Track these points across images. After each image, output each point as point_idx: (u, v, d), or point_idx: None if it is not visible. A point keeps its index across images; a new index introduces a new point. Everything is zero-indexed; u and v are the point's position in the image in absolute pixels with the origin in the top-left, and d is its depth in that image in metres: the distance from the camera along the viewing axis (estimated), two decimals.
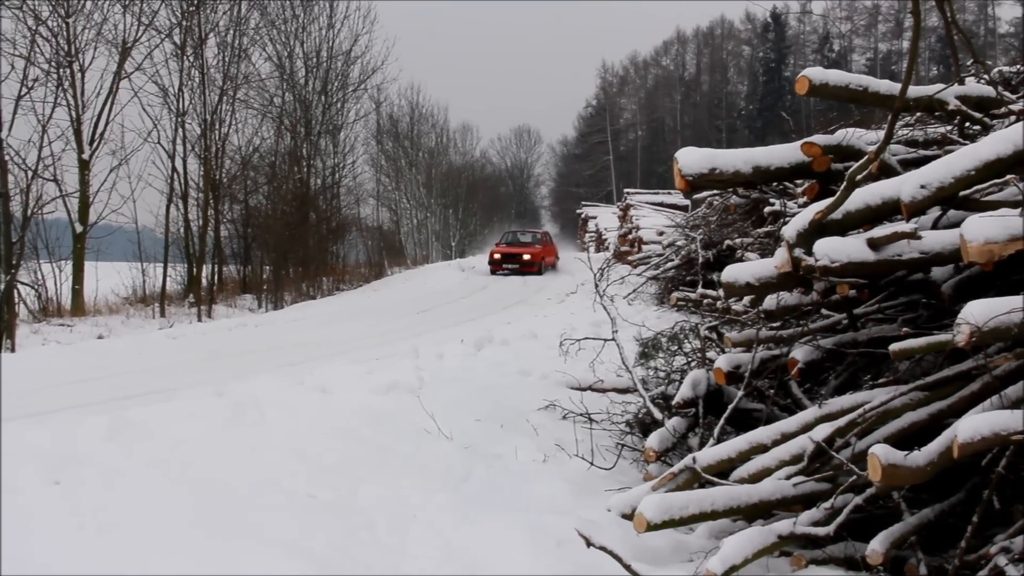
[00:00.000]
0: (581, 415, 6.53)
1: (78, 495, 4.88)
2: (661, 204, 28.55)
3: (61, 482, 5.05)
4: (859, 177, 3.98)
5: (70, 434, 5.94)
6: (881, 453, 3.29)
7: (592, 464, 5.58)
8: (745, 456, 4.16)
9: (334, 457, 5.73)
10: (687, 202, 25.11)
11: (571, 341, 7.86)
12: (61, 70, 19.39)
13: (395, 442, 6.13)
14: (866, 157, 4.01)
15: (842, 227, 4.17)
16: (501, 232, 41.32)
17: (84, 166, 20.07)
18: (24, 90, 17.96)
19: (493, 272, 30.22)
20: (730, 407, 4.98)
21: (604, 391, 7.26)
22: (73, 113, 19.97)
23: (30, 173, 17.93)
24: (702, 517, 3.75)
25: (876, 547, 3.42)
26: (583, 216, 46.04)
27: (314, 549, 4.21)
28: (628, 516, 4.05)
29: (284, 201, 26.41)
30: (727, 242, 12.59)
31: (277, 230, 25.00)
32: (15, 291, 16.86)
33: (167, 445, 5.79)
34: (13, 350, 15.00)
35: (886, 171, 4.55)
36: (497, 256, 30.75)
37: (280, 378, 8.43)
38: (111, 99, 20.79)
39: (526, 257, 30.36)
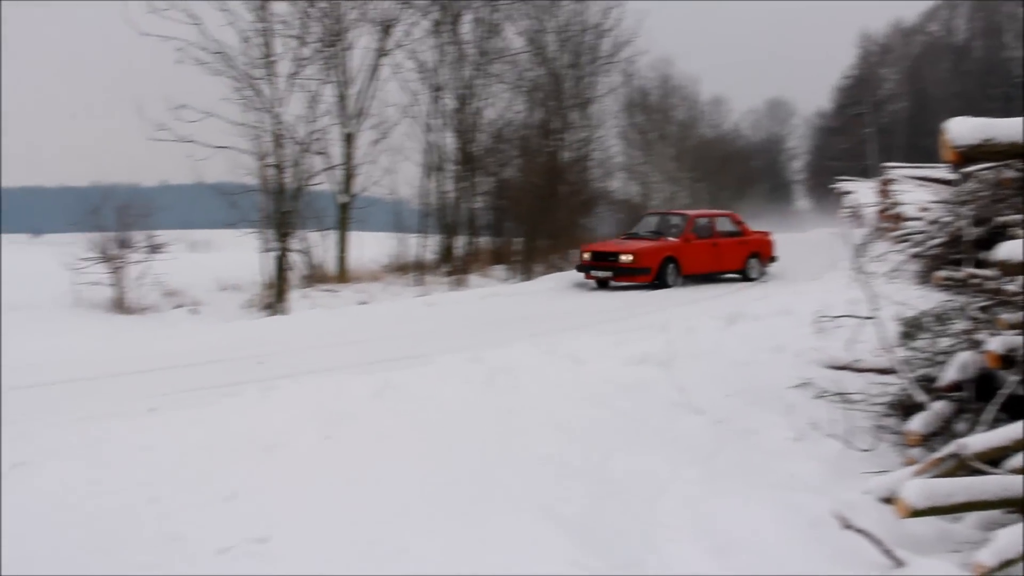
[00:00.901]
0: (837, 395, 6.33)
1: (347, 450, 5.20)
2: (924, 178, 26.99)
3: (332, 437, 5.40)
4: None
5: (340, 392, 6.33)
6: None
7: (848, 445, 5.41)
8: (1020, 444, 3.92)
9: (585, 425, 5.83)
10: (952, 176, 23.03)
11: (827, 319, 7.61)
12: (329, 49, 20.41)
13: (645, 413, 6.16)
14: None
15: None
16: (753, 208, 39.42)
17: (348, 140, 21.11)
18: (297, 69, 19.07)
19: (597, 284, 19.35)
20: (1003, 392, 4.70)
21: (861, 371, 6.98)
22: (339, 90, 21.03)
23: (301, 147, 19.03)
24: (970, 506, 3.58)
25: None
26: (839, 191, 44.24)
27: (566, 513, 4.31)
28: (887, 500, 3.91)
29: (535, 174, 26.82)
30: (999, 219, 11.81)
31: (528, 202, 25.44)
32: (287, 258, 17.98)
33: (427, 406, 6.07)
34: (286, 313, 16.02)
35: None
36: (586, 256, 19.47)
37: (532, 346, 8.63)
38: (373, 76, 21.76)
39: (624, 259, 18.61)
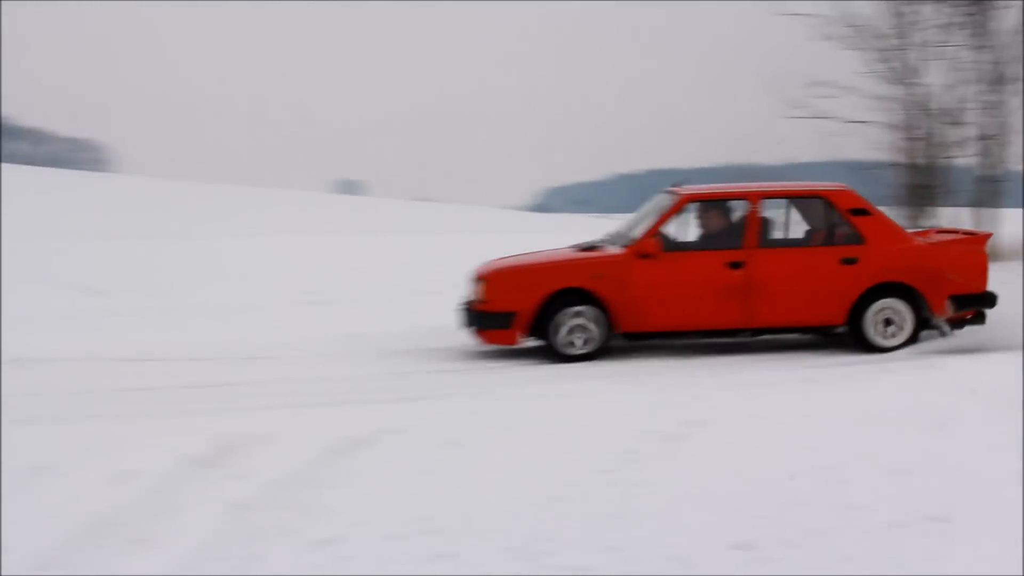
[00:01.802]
0: None
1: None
2: None
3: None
4: None
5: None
6: None
7: None
8: None
9: None
10: None
11: None
12: (972, 11, 19.25)
13: None
14: None
15: None
16: None
17: (994, 108, 19.73)
18: (937, 36, 18.27)
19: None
20: None
21: None
22: (982, 55, 19.73)
23: (941, 118, 18.23)
24: None
25: None
26: None
27: None
28: None
29: None
30: None
31: None
32: None
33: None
34: None
35: None
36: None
37: None
38: (1021, 36, 20.11)
39: (471, 295, 8.48)
